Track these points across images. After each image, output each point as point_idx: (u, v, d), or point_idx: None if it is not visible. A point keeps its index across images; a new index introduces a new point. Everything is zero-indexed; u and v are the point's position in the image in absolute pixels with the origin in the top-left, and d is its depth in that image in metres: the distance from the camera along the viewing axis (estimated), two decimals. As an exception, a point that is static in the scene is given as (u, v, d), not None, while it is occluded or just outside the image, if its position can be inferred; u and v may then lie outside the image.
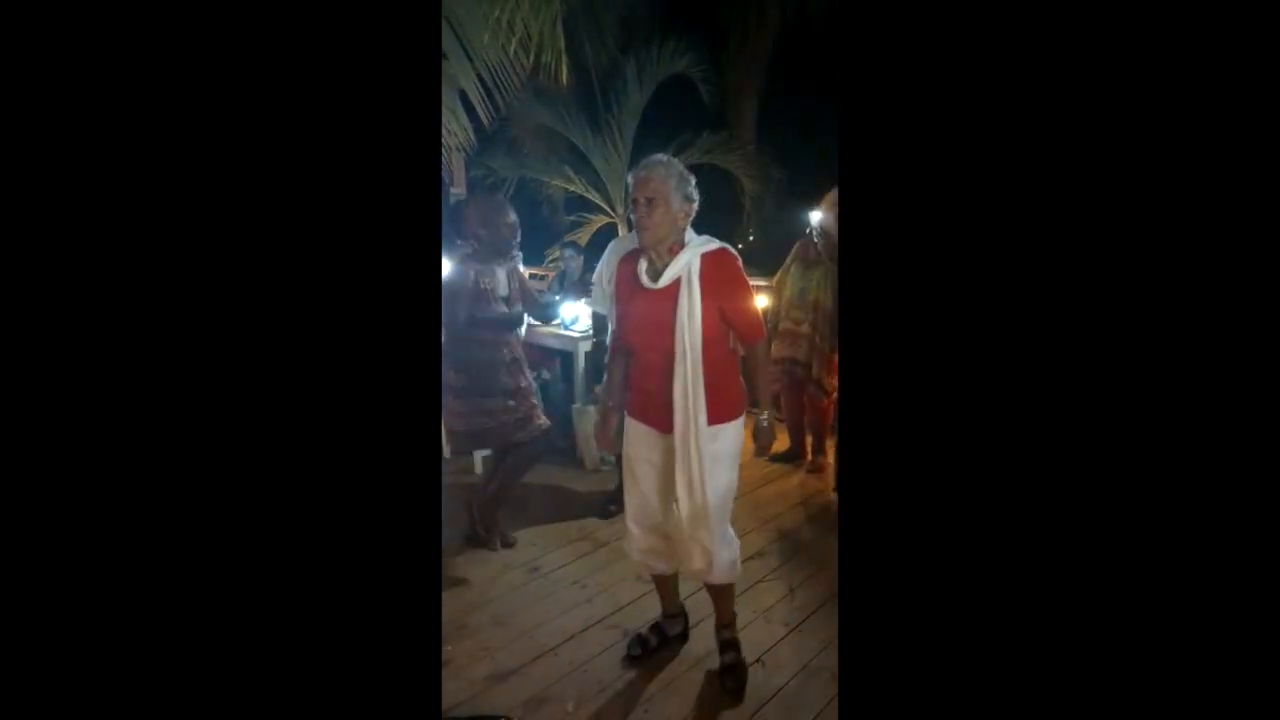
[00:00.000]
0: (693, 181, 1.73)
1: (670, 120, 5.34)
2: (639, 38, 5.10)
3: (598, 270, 2.84)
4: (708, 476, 1.74)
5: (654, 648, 2.06)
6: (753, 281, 1.83)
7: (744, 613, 2.21)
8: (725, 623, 1.99)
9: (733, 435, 1.81)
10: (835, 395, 3.21)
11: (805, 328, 3.26)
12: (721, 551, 1.82)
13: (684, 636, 2.11)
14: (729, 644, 1.97)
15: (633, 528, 1.93)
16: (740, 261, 1.75)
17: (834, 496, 3.10)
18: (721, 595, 1.97)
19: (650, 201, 1.67)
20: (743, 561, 1.84)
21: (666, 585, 2.06)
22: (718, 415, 1.74)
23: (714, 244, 1.73)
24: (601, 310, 2.95)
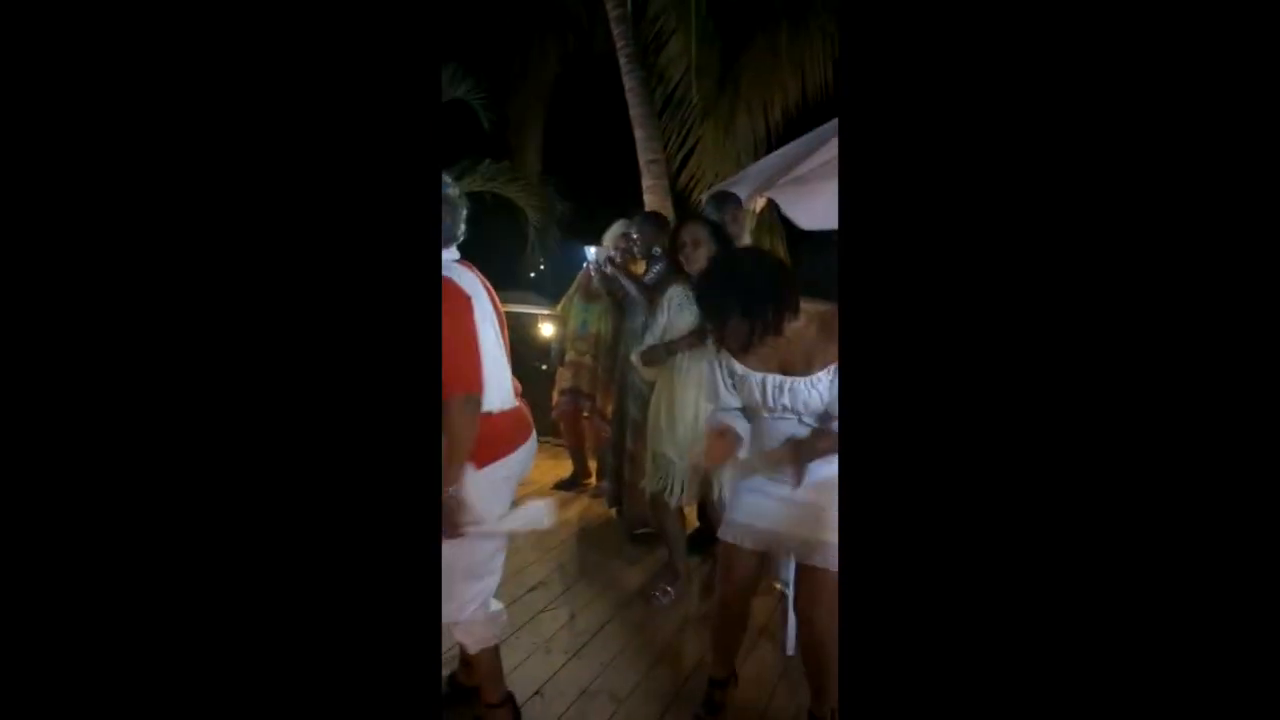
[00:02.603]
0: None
1: (451, 146, 5.26)
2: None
3: None
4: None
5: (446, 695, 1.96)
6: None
7: (524, 646, 2.19)
8: (486, 701, 1.80)
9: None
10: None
11: (588, 359, 3.37)
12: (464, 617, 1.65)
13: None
14: None
15: None
16: (460, 288, 1.49)
17: (614, 516, 3.19)
18: (478, 664, 1.77)
19: None
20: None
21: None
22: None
23: (448, 269, 1.52)
24: None
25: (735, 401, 1.72)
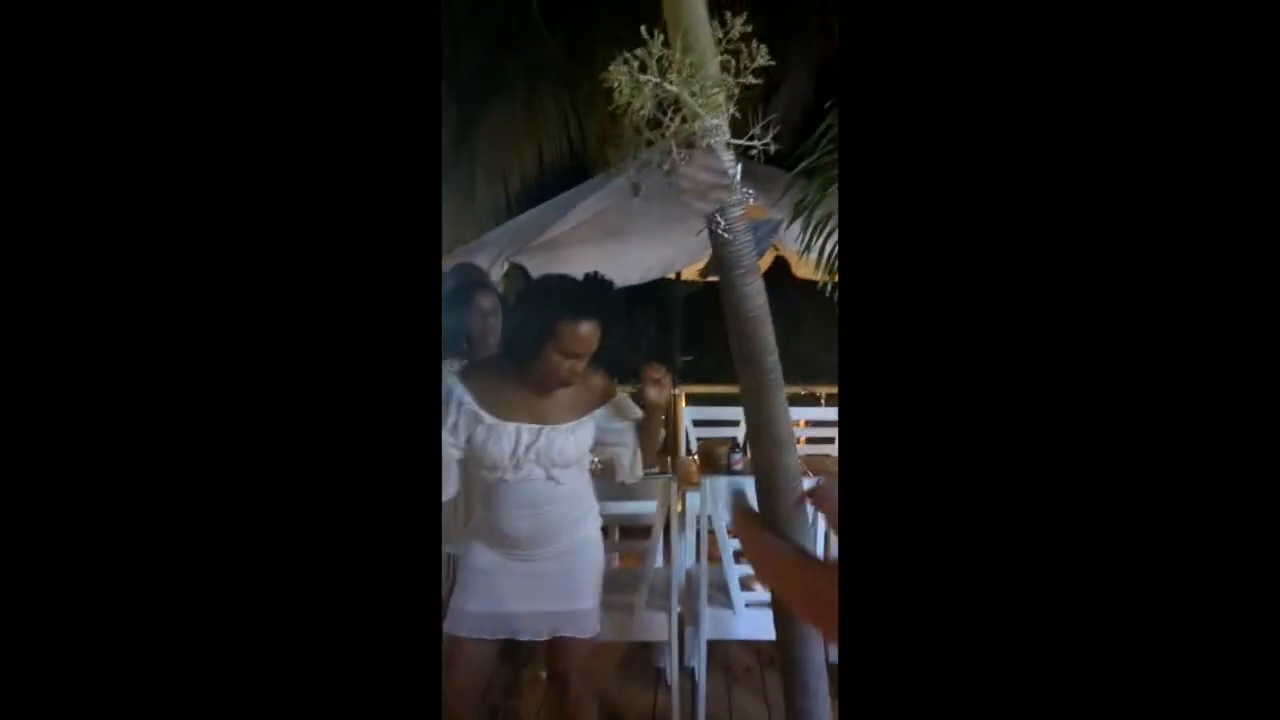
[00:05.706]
0: None
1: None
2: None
3: None
4: None
5: None
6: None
7: None
8: None
9: None
10: None
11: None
12: None
13: None
14: None
15: None
16: None
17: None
18: None
19: None
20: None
21: None
22: None
23: None
24: None
25: (452, 453, 1.55)
